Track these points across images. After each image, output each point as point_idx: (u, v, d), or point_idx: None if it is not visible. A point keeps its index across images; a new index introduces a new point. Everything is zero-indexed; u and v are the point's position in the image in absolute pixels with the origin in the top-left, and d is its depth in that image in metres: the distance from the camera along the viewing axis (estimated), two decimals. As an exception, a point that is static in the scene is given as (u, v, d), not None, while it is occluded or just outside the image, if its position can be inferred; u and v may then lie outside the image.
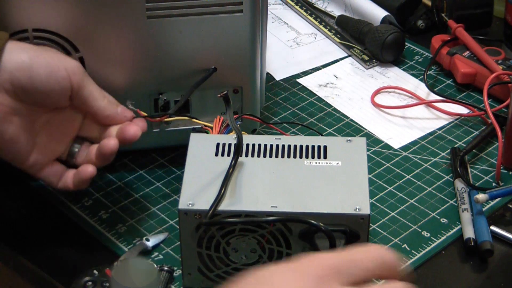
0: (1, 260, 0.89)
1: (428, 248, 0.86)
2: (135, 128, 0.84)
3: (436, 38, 1.14)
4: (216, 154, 0.81)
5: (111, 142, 0.82)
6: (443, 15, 1.16)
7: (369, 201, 0.77)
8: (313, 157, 0.81)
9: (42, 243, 0.87)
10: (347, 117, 1.05)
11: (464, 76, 1.08)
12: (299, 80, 1.11)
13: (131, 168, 0.97)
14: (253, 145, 0.82)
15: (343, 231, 0.75)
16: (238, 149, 0.79)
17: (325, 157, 0.81)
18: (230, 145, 0.82)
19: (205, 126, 0.89)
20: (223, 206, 0.76)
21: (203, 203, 0.76)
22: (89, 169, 0.83)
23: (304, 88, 1.10)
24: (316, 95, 1.09)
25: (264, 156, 0.81)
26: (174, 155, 0.98)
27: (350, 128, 1.03)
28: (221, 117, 0.88)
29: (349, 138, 0.84)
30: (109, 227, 0.89)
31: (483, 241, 0.85)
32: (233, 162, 0.79)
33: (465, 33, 1.11)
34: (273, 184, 0.78)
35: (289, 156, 0.81)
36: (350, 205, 0.76)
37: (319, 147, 0.82)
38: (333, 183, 0.79)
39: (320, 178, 0.79)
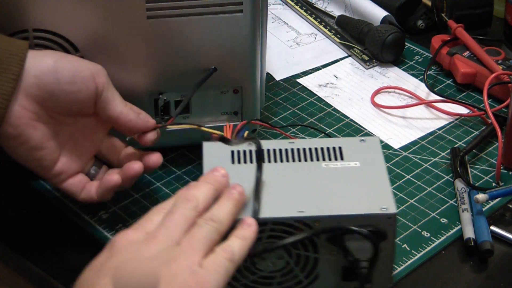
0: (1, 260, 0.89)
1: (428, 248, 0.86)
2: (157, 157, 0.86)
3: (436, 38, 1.14)
4: (233, 162, 0.80)
5: (135, 166, 0.84)
6: (443, 15, 1.16)
7: (394, 200, 0.77)
8: (330, 159, 0.81)
9: (42, 243, 0.87)
10: (347, 117, 1.05)
11: (464, 76, 1.08)
12: (299, 80, 1.11)
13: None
14: (268, 151, 0.81)
15: (371, 231, 0.75)
16: (260, 156, 0.77)
17: (342, 159, 0.81)
18: (245, 152, 0.81)
19: (215, 134, 0.88)
20: (248, 214, 0.74)
21: None
22: (114, 178, 0.84)
23: (304, 88, 1.10)
24: (316, 95, 1.09)
25: (281, 161, 0.80)
26: (174, 155, 0.98)
27: (350, 128, 1.03)
28: (231, 124, 0.87)
29: (362, 138, 0.84)
30: (109, 227, 0.89)
31: (483, 241, 0.85)
32: (259, 169, 0.77)
33: (465, 33, 1.11)
34: (294, 188, 0.77)
35: (305, 160, 0.80)
36: (376, 205, 0.76)
37: (334, 148, 0.82)
38: (354, 184, 0.78)
39: (340, 179, 0.79)
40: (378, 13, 1.17)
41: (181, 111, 0.91)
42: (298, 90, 1.10)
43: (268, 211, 0.74)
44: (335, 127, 1.03)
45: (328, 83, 1.11)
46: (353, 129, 1.03)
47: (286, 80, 1.12)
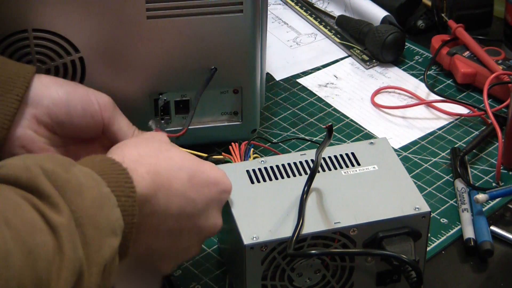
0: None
1: (428, 248, 0.86)
2: None
3: (436, 38, 1.13)
4: (252, 182, 0.79)
5: None
6: (443, 15, 1.16)
7: (423, 198, 0.78)
8: (347, 166, 0.81)
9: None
10: (347, 117, 1.05)
11: (464, 76, 1.08)
12: (299, 80, 1.11)
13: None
14: (283, 166, 0.81)
15: (407, 233, 0.76)
16: (312, 175, 0.77)
17: (358, 164, 0.81)
18: (260, 170, 0.80)
19: (224, 155, 0.88)
20: (288, 232, 0.74)
21: (267, 234, 0.74)
22: None
23: (304, 88, 1.10)
24: (316, 95, 1.09)
25: (300, 174, 0.80)
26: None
27: (350, 128, 1.03)
28: (236, 143, 0.87)
29: (371, 140, 0.84)
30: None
31: (483, 241, 0.85)
32: (306, 188, 0.77)
33: (465, 33, 1.11)
34: (323, 200, 0.77)
35: (324, 170, 0.80)
36: (408, 206, 0.76)
37: (347, 155, 0.82)
38: (380, 187, 0.79)
39: (365, 185, 0.79)
40: (378, 13, 1.17)
41: (181, 111, 0.91)
42: (298, 90, 1.10)
43: (306, 226, 0.74)
44: (335, 127, 1.03)
45: (328, 83, 1.11)
46: (353, 129, 1.03)
47: (286, 80, 1.12)
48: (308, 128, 1.03)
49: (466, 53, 1.09)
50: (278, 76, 1.12)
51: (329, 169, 0.81)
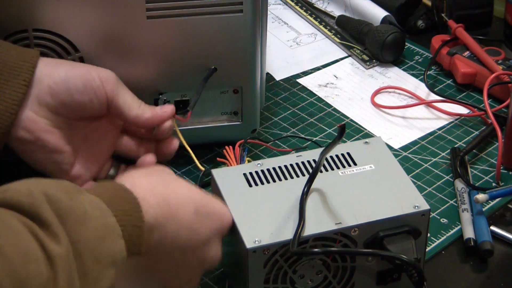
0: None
1: (428, 248, 0.86)
2: (173, 145, 0.87)
3: (436, 38, 1.13)
4: (250, 185, 0.79)
5: (147, 158, 0.86)
6: (443, 15, 1.16)
7: (422, 197, 0.78)
8: (343, 166, 0.81)
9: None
10: (347, 117, 1.05)
11: (464, 76, 1.08)
12: (299, 80, 1.11)
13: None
14: (280, 168, 0.81)
15: (408, 231, 0.76)
16: (313, 176, 0.77)
17: (355, 164, 0.81)
18: (257, 173, 0.80)
19: (219, 160, 0.88)
20: (289, 234, 0.74)
21: (269, 237, 0.74)
22: None
23: (304, 88, 1.10)
24: (316, 95, 1.09)
25: (297, 176, 0.80)
26: (174, 155, 0.98)
27: (350, 128, 1.03)
28: (230, 146, 0.87)
29: (365, 140, 0.84)
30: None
31: (483, 241, 0.85)
32: (306, 189, 0.77)
33: (465, 33, 1.11)
34: (322, 201, 0.77)
35: (320, 171, 0.80)
36: (407, 204, 0.77)
37: (343, 155, 0.82)
38: (378, 186, 0.79)
39: (363, 184, 0.79)
40: (378, 13, 1.17)
41: (181, 111, 0.91)
42: (298, 90, 1.10)
43: (307, 228, 0.74)
44: (335, 127, 1.03)
45: (328, 83, 1.11)
46: (353, 129, 1.03)
47: (286, 80, 1.12)
48: (308, 128, 1.03)
49: (466, 53, 1.09)
50: (278, 76, 1.12)
51: (326, 170, 0.81)
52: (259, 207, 0.77)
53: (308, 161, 0.81)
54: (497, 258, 0.85)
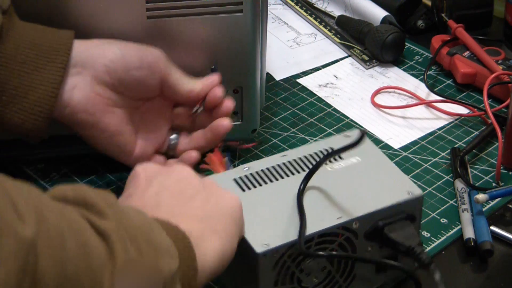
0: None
1: (428, 248, 0.86)
2: (226, 123, 0.87)
3: (436, 38, 1.13)
4: (243, 190, 0.79)
5: (224, 122, 0.86)
6: (443, 15, 1.16)
7: (412, 182, 0.79)
8: (330, 161, 0.81)
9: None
10: (347, 117, 1.05)
11: (464, 76, 1.08)
12: (299, 80, 1.11)
13: (131, 168, 0.96)
14: (268, 169, 0.81)
15: (405, 217, 0.77)
16: (309, 176, 0.77)
17: (341, 158, 0.81)
18: (247, 177, 0.80)
19: (204, 167, 0.87)
20: (295, 235, 0.73)
21: (276, 239, 0.73)
22: (193, 155, 0.87)
23: (304, 88, 1.10)
24: (316, 95, 1.09)
25: (287, 175, 0.80)
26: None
27: (350, 128, 1.03)
28: (210, 153, 0.87)
29: (345, 133, 0.84)
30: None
31: (483, 241, 0.85)
32: (302, 188, 0.77)
33: (465, 33, 1.11)
34: (318, 198, 0.77)
35: (308, 168, 0.80)
36: (401, 191, 0.78)
37: (326, 150, 0.82)
38: (368, 177, 0.79)
39: (354, 177, 0.79)
40: (378, 13, 1.17)
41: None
42: (298, 90, 1.10)
43: (310, 226, 0.74)
44: (335, 127, 1.03)
45: (328, 83, 1.11)
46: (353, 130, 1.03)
47: (286, 80, 1.12)
48: (308, 128, 1.03)
49: (466, 53, 1.09)
50: (278, 76, 1.12)
51: None
52: (258, 211, 0.76)
53: (295, 160, 0.82)
54: (497, 258, 0.85)
